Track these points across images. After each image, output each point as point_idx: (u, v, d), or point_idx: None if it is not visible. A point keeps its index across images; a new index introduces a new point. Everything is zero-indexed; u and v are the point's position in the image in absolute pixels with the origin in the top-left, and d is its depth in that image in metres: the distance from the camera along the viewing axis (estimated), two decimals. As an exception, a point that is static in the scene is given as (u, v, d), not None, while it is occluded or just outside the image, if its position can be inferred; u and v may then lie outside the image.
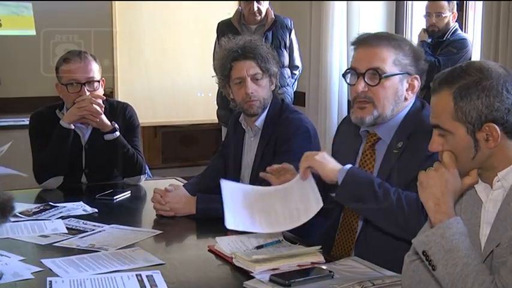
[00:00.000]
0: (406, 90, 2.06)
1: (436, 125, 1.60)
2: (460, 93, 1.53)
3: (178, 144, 6.32)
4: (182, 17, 5.74)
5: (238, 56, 2.63)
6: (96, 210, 2.59)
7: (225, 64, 2.66)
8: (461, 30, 4.54)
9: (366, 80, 2.04)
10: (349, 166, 1.98)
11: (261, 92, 2.64)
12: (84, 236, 2.26)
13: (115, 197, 2.78)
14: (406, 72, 2.05)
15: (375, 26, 5.22)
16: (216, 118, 5.11)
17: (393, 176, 2.01)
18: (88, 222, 2.42)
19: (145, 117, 5.20)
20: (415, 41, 4.66)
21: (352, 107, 2.12)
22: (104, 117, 2.93)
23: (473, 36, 4.48)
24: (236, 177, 2.74)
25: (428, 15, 4.49)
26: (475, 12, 4.56)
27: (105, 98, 3.00)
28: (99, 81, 2.97)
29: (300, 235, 2.20)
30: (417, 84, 2.08)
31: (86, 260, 1.99)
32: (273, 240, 2.10)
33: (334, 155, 2.18)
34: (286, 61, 4.80)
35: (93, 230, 2.33)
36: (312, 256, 1.94)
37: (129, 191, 2.88)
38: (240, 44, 2.65)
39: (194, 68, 5.74)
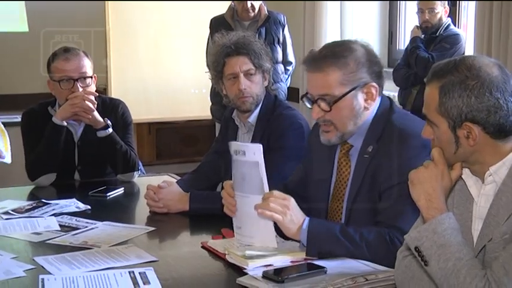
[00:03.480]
0: (365, 100, 2.01)
1: (425, 115, 1.61)
2: (445, 89, 1.54)
3: (172, 141, 6.31)
4: (176, 14, 5.73)
5: (231, 52, 2.62)
6: (89, 207, 2.58)
7: (218, 60, 2.65)
8: (454, 25, 4.54)
9: (319, 106, 2.01)
10: (305, 224, 1.91)
11: (254, 88, 2.64)
12: (77, 233, 2.25)
13: (108, 194, 2.77)
14: (358, 86, 1.99)
15: (369, 22, 5.22)
16: (210, 114, 5.10)
17: (366, 182, 1.99)
18: (81, 219, 2.42)
19: (139, 113, 5.19)
20: (407, 38, 4.66)
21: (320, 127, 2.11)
22: (96, 113, 2.92)
23: (466, 31, 4.48)
24: (229, 173, 2.74)
25: (420, 11, 4.48)
26: (468, 7, 4.55)
27: (97, 94, 2.99)
28: (91, 77, 2.96)
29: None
30: (375, 90, 2.00)
31: (79, 258, 1.98)
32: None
33: (311, 159, 2.20)
34: (280, 57, 4.79)
35: (86, 227, 2.32)
36: (305, 252, 1.94)
37: (122, 188, 2.87)
38: (233, 39, 2.64)
39: (188, 65, 5.73)
